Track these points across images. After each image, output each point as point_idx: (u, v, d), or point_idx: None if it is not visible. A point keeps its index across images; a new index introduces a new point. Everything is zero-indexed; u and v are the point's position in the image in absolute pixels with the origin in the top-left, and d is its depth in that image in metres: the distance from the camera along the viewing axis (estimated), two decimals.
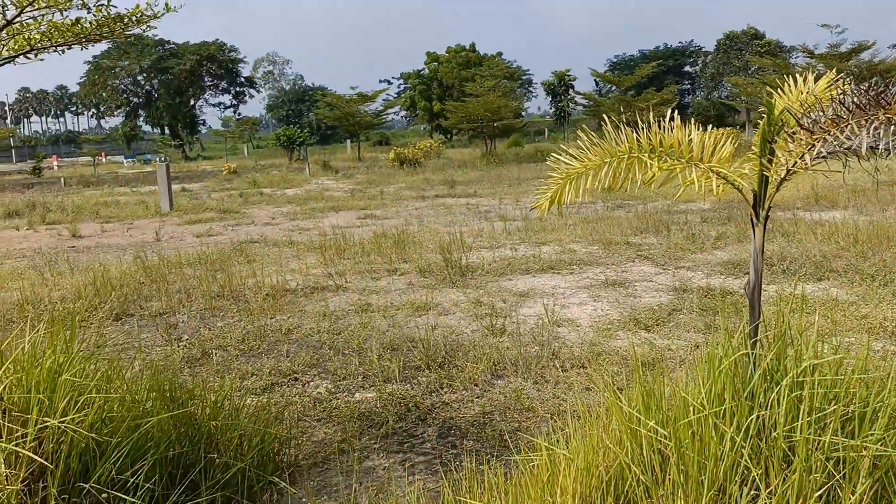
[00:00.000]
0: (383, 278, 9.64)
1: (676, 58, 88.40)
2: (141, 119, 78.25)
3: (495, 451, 4.38)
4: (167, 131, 75.94)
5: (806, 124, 2.48)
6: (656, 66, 50.27)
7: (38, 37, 3.05)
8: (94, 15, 3.08)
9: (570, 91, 61.09)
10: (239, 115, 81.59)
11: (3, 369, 3.11)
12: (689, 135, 2.74)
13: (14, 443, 2.90)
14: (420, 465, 4.29)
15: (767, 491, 2.50)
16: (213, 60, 75.01)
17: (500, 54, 68.36)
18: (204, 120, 80.00)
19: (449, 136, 72.90)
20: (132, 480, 3.13)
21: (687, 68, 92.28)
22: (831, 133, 2.40)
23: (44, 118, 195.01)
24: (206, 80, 78.63)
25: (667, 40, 78.58)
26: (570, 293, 8.36)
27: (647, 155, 2.73)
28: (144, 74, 74.61)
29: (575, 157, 2.91)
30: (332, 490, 4.00)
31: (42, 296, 8.99)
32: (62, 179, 37.01)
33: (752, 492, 2.52)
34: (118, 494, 3.00)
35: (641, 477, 2.67)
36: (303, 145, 45.34)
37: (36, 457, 2.85)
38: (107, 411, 3.23)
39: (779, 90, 2.80)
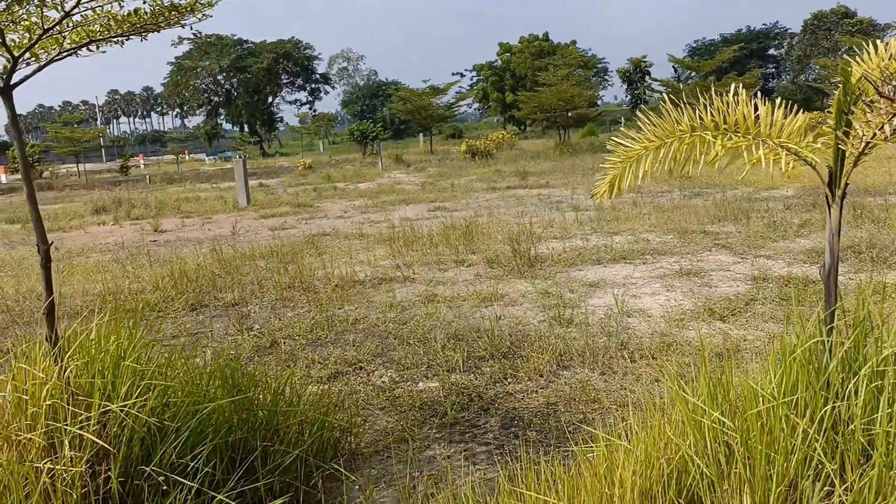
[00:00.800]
0: (451, 269, 9.60)
1: (760, 40, 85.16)
2: (221, 117, 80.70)
3: (557, 442, 4.28)
4: (246, 129, 78.05)
5: (886, 92, 2.28)
6: (738, 50, 48.49)
7: (97, 28, 3.11)
8: (150, 5, 3.12)
9: (647, 78, 59.64)
10: (315, 111, 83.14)
11: (69, 354, 3.20)
12: (756, 109, 2.56)
13: (78, 426, 2.98)
14: (481, 456, 4.22)
15: (843, 487, 2.32)
16: (289, 58, 76.63)
17: (574, 43, 67.36)
18: (281, 117, 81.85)
19: (522, 127, 72.38)
20: (192, 465, 3.18)
21: (771, 51, 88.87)
22: None
23: (131, 119, 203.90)
24: (282, 77, 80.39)
25: (750, 23, 75.66)
26: (643, 283, 8.12)
27: (709, 133, 2.57)
28: (224, 74, 76.87)
29: (634, 140, 2.77)
30: (390, 478, 3.97)
31: (122, 287, 9.33)
32: (147, 177, 38.52)
33: (826, 488, 2.34)
34: (177, 478, 3.05)
35: (706, 470, 2.53)
36: (376, 140, 45.79)
37: (98, 440, 2.91)
38: (168, 396, 3.28)
39: (857, 58, 2.59)
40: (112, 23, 3.08)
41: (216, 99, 78.15)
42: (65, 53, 3.12)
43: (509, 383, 5.31)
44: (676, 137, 2.61)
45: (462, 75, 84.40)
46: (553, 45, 65.57)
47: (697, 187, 17.30)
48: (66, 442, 2.93)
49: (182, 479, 3.04)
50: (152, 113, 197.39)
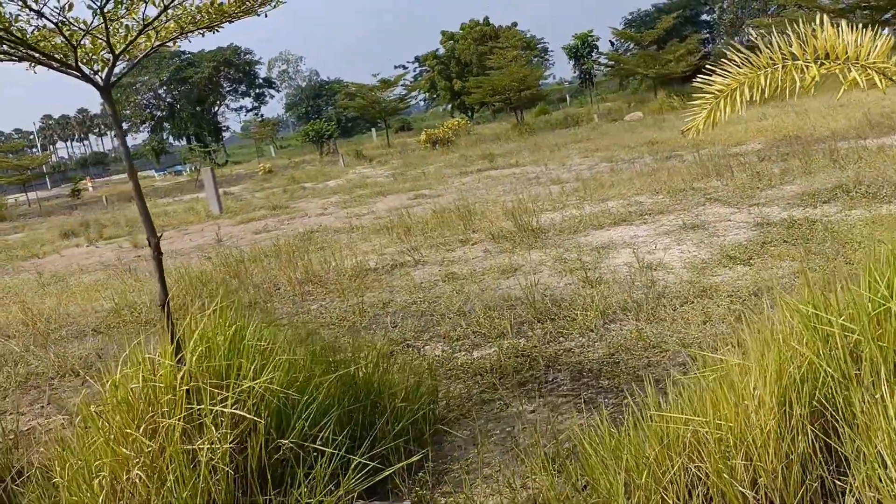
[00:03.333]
0: (457, 249, 9.74)
1: (692, 7, 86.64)
2: (166, 132, 79.19)
3: (631, 386, 4.47)
4: (193, 141, 76.79)
5: None
6: (676, 17, 49.38)
7: (187, 20, 3.18)
8: None
9: (594, 53, 60.40)
10: (262, 116, 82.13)
11: (192, 341, 3.28)
12: (844, 37, 2.77)
13: (219, 405, 3.07)
14: (564, 407, 4.39)
15: None
16: (230, 65, 75.53)
17: (515, 25, 67.80)
18: (228, 126, 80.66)
19: (471, 113, 72.59)
20: (321, 435, 3.29)
21: (704, 17, 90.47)
22: None
23: (69, 143, 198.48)
24: (224, 85, 79.19)
25: None
26: (651, 240, 8.39)
27: (801, 61, 2.77)
28: (165, 87, 75.42)
29: (728, 74, 2.95)
30: (487, 436, 4.12)
31: (132, 301, 9.26)
32: (104, 198, 37.71)
33: None
34: (319, 447, 3.16)
35: (835, 374, 2.74)
36: (332, 138, 45.53)
37: (246, 414, 3.01)
38: (291, 372, 3.38)
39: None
40: (201, 15, 3.15)
41: (159, 113, 76.65)
42: (157, 46, 3.18)
43: (563, 341, 5.50)
44: (771, 67, 2.81)
45: (405, 68, 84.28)
46: (495, 29, 65.92)
47: (668, 150, 17.73)
48: (210, 422, 3.02)
49: (323, 448, 3.15)
50: (90, 135, 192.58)
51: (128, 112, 76.52)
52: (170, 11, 3.07)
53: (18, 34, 2.67)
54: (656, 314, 5.65)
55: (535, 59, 67.17)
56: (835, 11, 36.36)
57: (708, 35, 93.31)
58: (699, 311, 5.53)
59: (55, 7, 2.61)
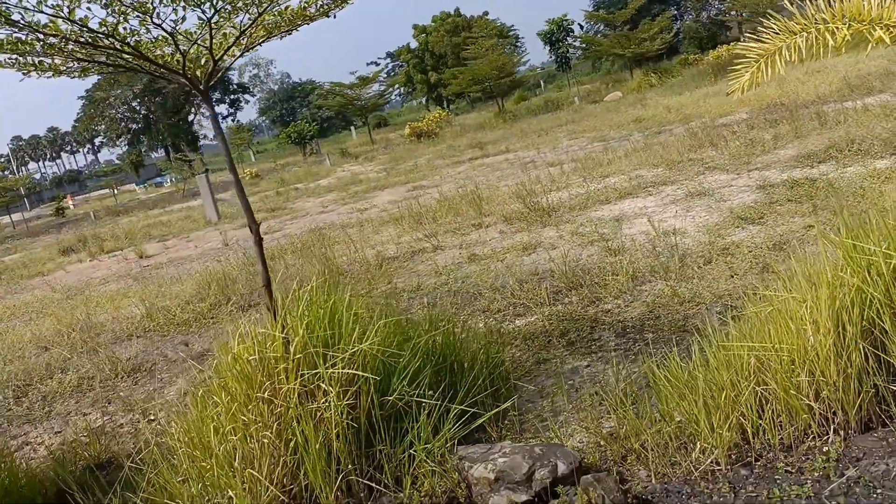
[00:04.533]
0: (472, 233, 10.09)
1: None
2: (143, 144, 78.75)
3: (678, 336, 4.85)
4: (171, 151, 76.48)
5: None
6: None
7: (273, 25, 3.49)
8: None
9: (569, 37, 60.91)
10: (238, 122, 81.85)
11: (299, 314, 3.61)
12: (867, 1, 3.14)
13: (333, 368, 3.41)
14: (619, 358, 4.76)
15: None
16: None
17: (486, 14, 68.13)
18: (205, 134, 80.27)
19: (447, 105, 72.87)
20: (416, 392, 3.64)
21: None
22: None
23: (41, 162, 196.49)
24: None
25: None
26: (660, 210, 8.79)
27: (832, 24, 3.14)
28: (139, 100, 74.95)
29: (767, 40, 3.32)
30: (549, 390, 4.48)
31: (160, 305, 9.52)
32: (92, 213, 37.64)
33: None
34: (421, 400, 3.51)
35: (880, 297, 3.13)
36: (314, 139, 45.65)
37: (361, 373, 3.35)
38: (387, 339, 3.72)
39: None
40: (288, 18, 3.46)
41: (134, 126, 76.20)
42: (253, 46, 3.50)
43: (600, 304, 5.87)
44: (807, 30, 3.18)
45: (377, 64, 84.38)
46: (467, 20, 66.21)
47: (656, 126, 18.15)
48: (328, 383, 3.36)
49: (424, 400, 3.50)
50: (62, 153, 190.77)
51: (102, 127, 76.05)
52: (259, 17, 3.38)
53: (136, 47, 2.98)
54: (684, 273, 6.04)
55: (509, 48, 67.53)
56: None
57: (676, 12, 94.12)
58: (724, 267, 5.93)
59: (171, 20, 2.92)
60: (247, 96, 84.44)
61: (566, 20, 62.02)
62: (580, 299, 6.05)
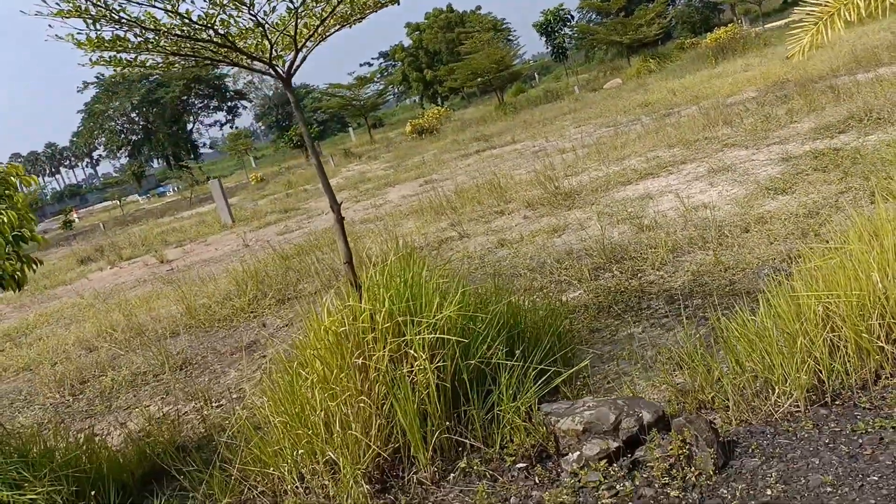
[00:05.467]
0: (495, 220, 10.25)
1: None
2: (143, 155, 78.94)
3: (725, 300, 5.01)
4: (172, 160, 76.65)
5: None
6: None
7: (355, 8, 3.64)
8: None
9: (566, 26, 61.01)
10: (235, 127, 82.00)
11: (389, 291, 3.78)
12: None
13: (420, 335, 3.58)
14: (671, 324, 4.93)
15: None
16: (200, 81, 75.34)
17: (479, 8, 68.24)
18: (204, 143, 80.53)
19: (441, 101, 72.99)
20: (496, 356, 3.81)
21: None
22: None
23: (41, 178, 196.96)
24: (196, 102, 79.05)
25: None
26: (685, 186, 8.95)
27: None
28: (137, 111, 75.14)
29: (826, 1, 3.50)
30: (608, 357, 4.66)
31: (197, 304, 9.68)
32: (101, 224, 37.84)
33: None
34: (502, 361, 3.69)
35: None
36: (316, 140, 45.80)
37: (450, 336, 3.53)
38: (464, 308, 3.90)
39: None
40: (360, 6, 3.63)
41: (134, 137, 76.40)
42: (323, 37, 3.67)
43: (642, 277, 6.04)
44: None
45: (370, 65, 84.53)
46: (460, 15, 66.34)
47: (663, 109, 18.30)
48: (418, 348, 3.54)
49: (506, 361, 3.68)
50: (61, 168, 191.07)
51: (103, 139, 76.27)
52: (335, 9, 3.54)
53: (228, 37, 3.15)
54: (723, 242, 6.21)
55: (504, 42, 67.63)
56: None
57: None
58: (763, 234, 6.09)
59: (264, 11, 3.09)
60: (244, 102, 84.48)
61: (562, 9, 62.11)
62: (622, 273, 6.22)
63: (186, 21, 2.95)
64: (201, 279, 11.61)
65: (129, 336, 8.94)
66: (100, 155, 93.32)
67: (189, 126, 77.68)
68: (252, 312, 8.71)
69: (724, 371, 3.66)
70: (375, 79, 52.79)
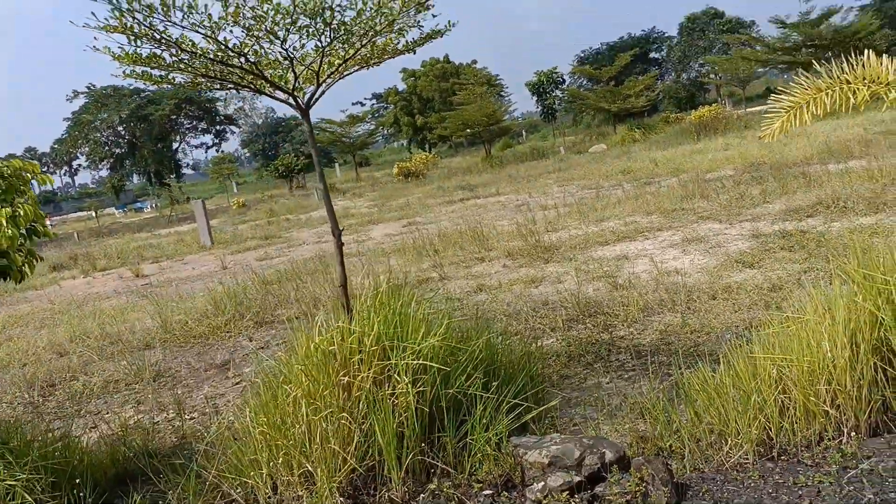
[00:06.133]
0: (476, 266, 10.54)
1: (641, 45, 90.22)
2: (126, 169, 78.70)
3: (688, 360, 5.30)
4: (153, 177, 76.45)
5: None
6: (633, 55, 51.72)
7: (374, 53, 3.95)
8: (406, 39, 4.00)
9: (557, 89, 62.69)
10: (221, 151, 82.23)
11: (378, 317, 4.01)
12: (885, 66, 3.70)
13: (404, 360, 3.81)
14: (633, 377, 5.20)
15: None
16: (192, 102, 75.76)
17: (475, 62, 69.88)
18: (188, 163, 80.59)
19: (429, 148, 74.05)
20: (472, 388, 4.04)
21: (653, 54, 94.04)
22: None
23: None
24: (185, 122, 79.30)
25: (629, 30, 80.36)
26: (659, 252, 9.32)
27: (854, 85, 3.69)
28: (124, 125, 75.17)
29: (797, 94, 3.87)
30: (575, 402, 4.90)
31: (174, 319, 9.77)
32: (75, 234, 37.54)
33: None
34: (478, 394, 3.91)
35: (889, 320, 3.62)
36: (301, 172, 46.17)
37: (432, 364, 3.75)
38: (446, 339, 4.13)
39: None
40: (380, 52, 3.94)
41: (118, 150, 76.24)
42: (343, 75, 3.96)
43: (613, 332, 6.33)
44: (831, 89, 3.72)
45: (362, 104, 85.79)
46: (455, 67, 67.85)
47: (644, 178, 18.88)
48: (401, 372, 3.76)
49: (482, 393, 3.91)
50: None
51: (86, 149, 76.00)
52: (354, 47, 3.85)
53: (258, 66, 3.43)
54: (691, 307, 6.53)
55: (496, 97, 69.17)
56: (783, 49, 38.74)
57: (658, 71, 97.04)
58: (728, 302, 6.43)
59: (294, 46, 3.38)
60: (232, 128, 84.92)
61: (556, 73, 63.84)
62: (594, 326, 6.50)
63: (223, 47, 3.23)
64: (179, 296, 11.70)
65: (102, 344, 9.01)
66: (80, 164, 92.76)
67: (175, 145, 77.78)
68: (228, 332, 8.83)
69: (682, 422, 3.92)
70: (367, 119, 53.51)
